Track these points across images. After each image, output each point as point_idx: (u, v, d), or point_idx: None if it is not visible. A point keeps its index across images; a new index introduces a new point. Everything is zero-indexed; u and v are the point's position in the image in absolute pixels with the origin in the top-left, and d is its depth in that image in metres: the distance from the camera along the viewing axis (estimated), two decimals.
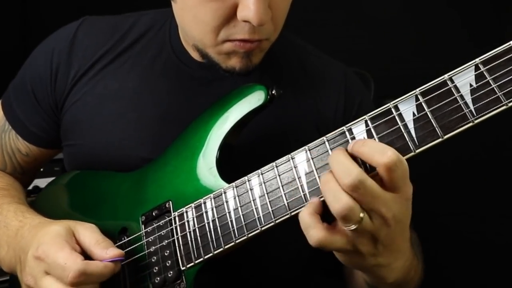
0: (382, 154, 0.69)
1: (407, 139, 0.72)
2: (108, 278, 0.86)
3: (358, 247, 0.74)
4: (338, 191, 0.69)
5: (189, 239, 0.87)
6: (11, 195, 1.11)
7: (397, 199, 0.72)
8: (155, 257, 0.90)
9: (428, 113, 0.72)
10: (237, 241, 0.83)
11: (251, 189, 0.83)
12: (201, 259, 0.86)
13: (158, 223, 0.92)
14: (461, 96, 0.70)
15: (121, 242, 0.95)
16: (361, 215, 0.69)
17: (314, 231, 0.72)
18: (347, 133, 0.77)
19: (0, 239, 0.99)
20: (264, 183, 0.82)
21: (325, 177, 0.72)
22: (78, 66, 1.10)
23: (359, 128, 0.76)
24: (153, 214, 0.93)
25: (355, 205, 0.69)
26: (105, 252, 0.86)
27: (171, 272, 0.88)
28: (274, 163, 0.82)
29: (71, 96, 1.10)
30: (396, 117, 0.74)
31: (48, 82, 1.11)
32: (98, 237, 0.89)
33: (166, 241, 0.90)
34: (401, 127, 0.73)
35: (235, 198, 0.84)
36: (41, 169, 1.32)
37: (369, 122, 0.75)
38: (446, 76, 0.72)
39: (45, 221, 0.96)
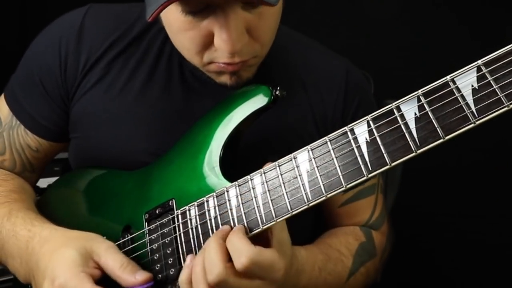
0: (239, 256, 0.77)
1: (409, 140, 0.73)
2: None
3: None
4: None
5: (191, 236, 0.88)
6: (22, 199, 1.07)
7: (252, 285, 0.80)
8: (157, 255, 0.91)
9: (430, 113, 0.72)
10: None
11: (253, 188, 0.83)
12: None
13: (161, 221, 0.92)
14: (463, 97, 0.70)
15: (124, 240, 0.95)
16: None
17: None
18: (349, 133, 0.78)
19: (11, 250, 0.96)
20: (266, 182, 0.82)
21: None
22: (88, 55, 1.08)
23: (361, 128, 0.77)
24: (157, 212, 0.93)
25: None
26: (134, 277, 0.84)
27: (173, 270, 0.89)
28: (276, 163, 0.83)
29: (81, 87, 1.08)
30: (398, 118, 0.74)
31: (58, 72, 1.09)
32: (122, 259, 0.86)
33: (169, 238, 0.90)
34: (403, 127, 0.74)
35: (237, 196, 0.85)
36: None
37: (371, 122, 0.76)
38: (448, 77, 0.72)
39: (56, 232, 0.93)
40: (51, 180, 1.21)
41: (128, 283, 0.84)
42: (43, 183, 1.25)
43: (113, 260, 0.86)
